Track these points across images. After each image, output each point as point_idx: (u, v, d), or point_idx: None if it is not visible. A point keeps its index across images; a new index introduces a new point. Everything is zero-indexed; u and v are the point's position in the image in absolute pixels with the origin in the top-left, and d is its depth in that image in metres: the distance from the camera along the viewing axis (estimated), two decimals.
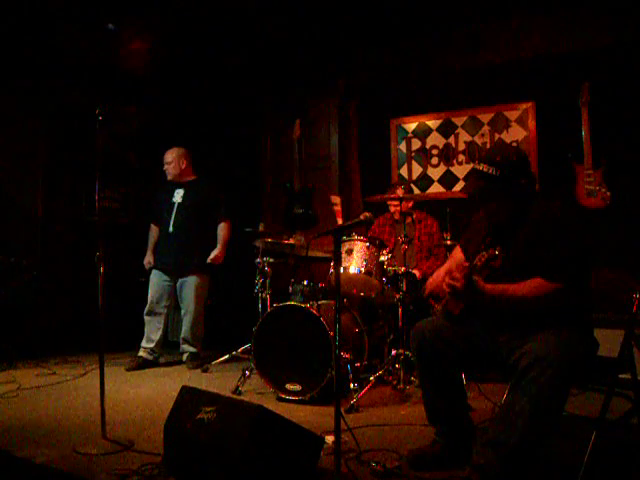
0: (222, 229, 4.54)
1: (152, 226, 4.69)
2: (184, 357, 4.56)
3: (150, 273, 4.57)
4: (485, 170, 2.19)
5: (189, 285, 4.47)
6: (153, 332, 4.47)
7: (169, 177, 4.56)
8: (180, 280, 4.50)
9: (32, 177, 5.03)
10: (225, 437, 2.03)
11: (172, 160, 4.52)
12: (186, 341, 4.54)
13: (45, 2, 4.21)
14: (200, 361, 4.46)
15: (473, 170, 2.26)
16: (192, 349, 4.52)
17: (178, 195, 4.51)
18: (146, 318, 4.49)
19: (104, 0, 4.30)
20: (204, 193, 4.55)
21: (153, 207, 4.71)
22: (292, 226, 5.05)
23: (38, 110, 5.03)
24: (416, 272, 4.02)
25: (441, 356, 2.24)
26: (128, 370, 4.31)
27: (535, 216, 2.20)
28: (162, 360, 4.61)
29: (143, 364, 4.41)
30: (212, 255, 4.46)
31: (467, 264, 2.14)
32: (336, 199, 4.78)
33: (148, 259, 4.61)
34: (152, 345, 4.46)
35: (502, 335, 2.20)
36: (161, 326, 4.47)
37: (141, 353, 4.47)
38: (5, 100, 4.81)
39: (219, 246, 4.50)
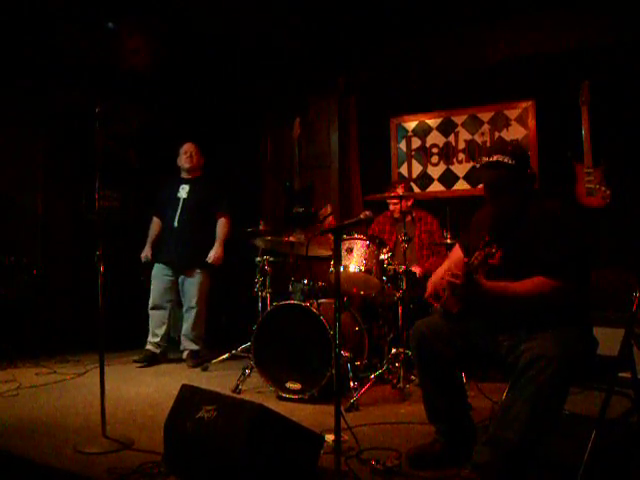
0: (221, 225, 4.56)
1: (154, 219, 4.71)
2: (184, 355, 4.58)
3: (151, 267, 4.59)
4: (501, 160, 2.18)
5: (191, 281, 4.50)
6: (158, 327, 4.53)
7: (184, 166, 4.58)
8: (182, 276, 4.52)
9: (32, 177, 5.03)
10: (225, 436, 2.04)
11: (188, 151, 4.58)
12: (187, 338, 4.56)
13: (45, 2, 4.21)
14: (200, 359, 4.48)
15: (487, 163, 2.22)
16: (193, 346, 4.54)
17: (183, 191, 4.54)
18: (150, 312, 4.55)
19: (104, 0, 4.30)
20: (208, 190, 4.59)
21: (157, 201, 4.73)
22: (292, 225, 5.06)
23: (38, 110, 5.03)
24: (416, 269, 4.01)
25: (440, 355, 2.24)
26: (137, 364, 4.41)
27: (535, 214, 2.21)
28: (171, 355, 4.66)
29: (151, 358, 4.48)
30: (211, 256, 4.47)
31: (466, 260, 2.14)
32: (326, 210, 4.62)
33: (146, 252, 4.63)
34: (157, 340, 4.52)
35: (501, 334, 2.20)
36: (165, 321, 4.53)
37: (148, 347, 4.53)
38: (5, 100, 4.81)
39: (217, 245, 4.51)
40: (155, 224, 4.70)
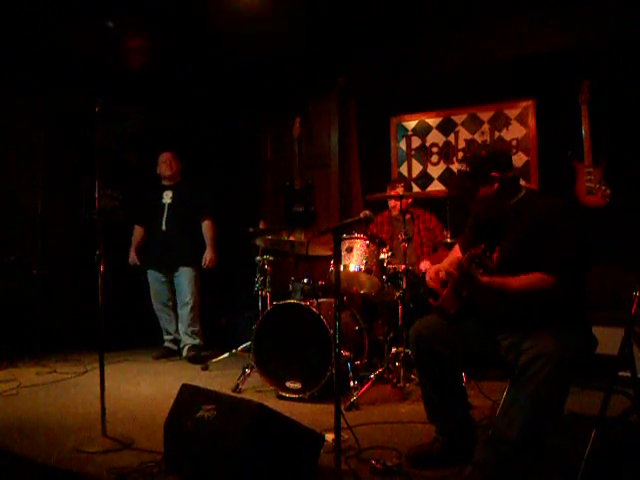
0: (208, 228, 4.72)
1: (137, 227, 4.89)
2: (185, 350, 4.65)
3: (145, 273, 4.79)
4: (458, 168, 2.35)
5: (183, 278, 4.64)
6: (167, 324, 4.78)
7: (164, 173, 4.76)
8: (173, 276, 4.67)
9: (32, 176, 5.02)
10: (225, 435, 2.04)
11: (166, 160, 4.76)
12: (186, 334, 4.66)
13: (45, 2, 4.21)
14: (200, 352, 4.59)
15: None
16: (193, 341, 4.64)
17: (167, 196, 4.72)
18: (157, 315, 4.79)
19: (104, 0, 4.29)
20: (191, 194, 4.76)
21: (140, 209, 4.91)
22: (292, 224, 5.07)
23: (38, 110, 5.03)
24: (426, 264, 3.96)
25: (439, 355, 2.24)
26: (155, 358, 4.67)
27: (532, 213, 2.20)
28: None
29: (168, 353, 4.76)
30: (206, 259, 4.64)
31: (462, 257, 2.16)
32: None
33: (132, 257, 4.82)
34: (171, 336, 4.78)
35: (500, 333, 2.20)
36: (172, 317, 4.77)
37: (166, 344, 4.81)
38: (5, 100, 4.81)
39: (209, 248, 4.68)
40: (137, 231, 4.88)
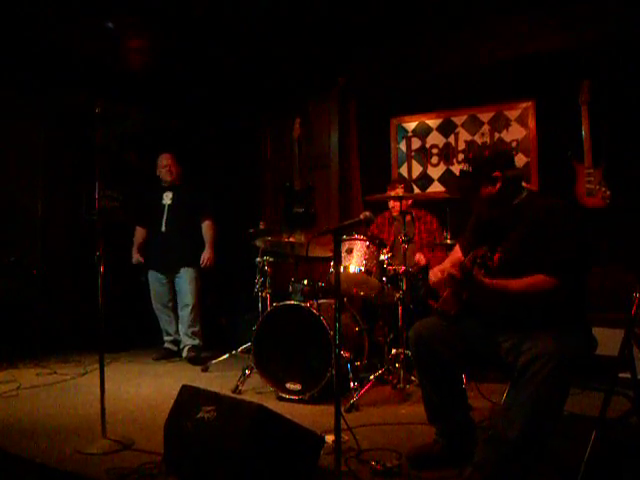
0: (207, 228, 4.71)
1: (138, 228, 4.88)
2: (184, 352, 4.65)
3: (145, 274, 4.78)
4: (461, 168, 2.33)
5: (183, 280, 4.64)
6: (167, 325, 4.78)
7: (165, 177, 4.75)
8: (174, 277, 4.67)
9: (32, 177, 5.02)
10: (225, 436, 2.04)
11: (167, 164, 4.74)
12: (186, 335, 4.66)
13: (45, 2, 4.20)
14: (200, 353, 4.59)
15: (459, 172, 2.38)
16: (193, 342, 4.64)
17: (167, 197, 4.72)
18: (157, 315, 4.78)
19: (104, 0, 4.29)
20: (191, 195, 4.75)
21: (141, 210, 4.90)
22: (292, 225, 5.07)
23: (38, 110, 5.03)
24: (421, 257, 3.99)
25: (438, 356, 2.25)
26: (156, 360, 4.66)
27: (533, 213, 2.20)
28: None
29: (168, 354, 4.75)
30: (204, 258, 4.63)
31: (463, 260, 2.15)
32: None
33: (135, 256, 4.81)
34: (171, 337, 4.78)
35: (500, 334, 2.20)
36: (172, 318, 4.76)
37: (166, 345, 4.81)
38: (5, 100, 4.81)
39: (207, 247, 4.68)
40: (139, 232, 4.87)
